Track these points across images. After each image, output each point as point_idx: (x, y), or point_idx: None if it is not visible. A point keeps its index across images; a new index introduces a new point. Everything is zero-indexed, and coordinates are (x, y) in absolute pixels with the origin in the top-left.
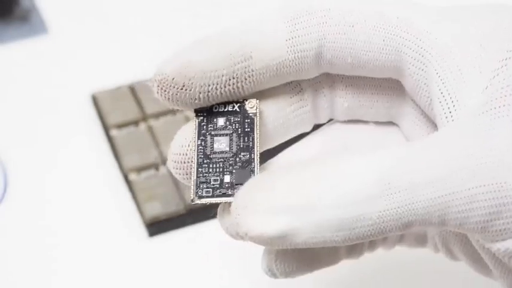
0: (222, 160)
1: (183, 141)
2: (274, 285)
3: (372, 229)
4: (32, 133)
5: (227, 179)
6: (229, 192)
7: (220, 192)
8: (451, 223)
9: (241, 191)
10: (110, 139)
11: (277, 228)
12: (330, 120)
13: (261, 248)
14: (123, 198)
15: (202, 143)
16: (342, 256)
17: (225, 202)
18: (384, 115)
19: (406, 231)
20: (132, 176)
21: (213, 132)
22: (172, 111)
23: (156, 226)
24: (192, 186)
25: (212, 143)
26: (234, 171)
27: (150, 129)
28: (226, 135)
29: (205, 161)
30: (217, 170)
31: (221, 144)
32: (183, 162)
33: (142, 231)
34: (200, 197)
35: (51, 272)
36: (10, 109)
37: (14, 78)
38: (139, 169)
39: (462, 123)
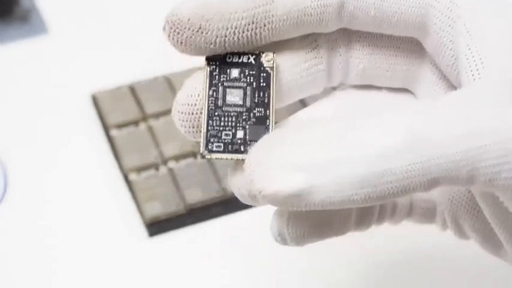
0: (235, 114)
1: (192, 90)
2: (275, 284)
3: (396, 186)
4: (32, 133)
5: (240, 134)
6: (242, 149)
7: (232, 148)
8: (481, 179)
9: (256, 147)
10: (110, 139)
11: (293, 185)
12: (341, 86)
13: (261, 247)
14: (123, 198)
15: (214, 93)
16: (351, 226)
17: (237, 159)
18: (400, 79)
19: (430, 190)
20: (132, 176)
21: (225, 83)
22: None
23: (156, 226)
24: (202, 140)
25: (224, 94)
26: (247, 127)
27: (150, 129)
28: (240, 87)
29: (216, 113)
30: (230, 124)
31: (234, 96)
32: (190, 113)
33: (142, 231)
34: (210, 152)
35: (51, 272)
36: (10, 109)
37: (14, 78)
38: (139, 169)
39: (492, 80)
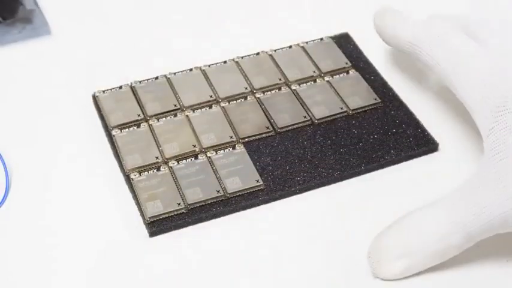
0: None
1: None
2: (275, 284)
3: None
4: (34, 133)
5: None
6: None
7: None
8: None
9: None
10: (111, 139)
11: (398, 271)
12: None
13: (261, 247)
14: (124, 198)
15: None
16: None
17: None
18: None
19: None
20: (133, 176)
21: None
22: (173, 112)
23: (157, 226)
24: None
25: None
26: None
27: (151, 129)
28: None
29: None
30: None
31: None
32: None
33: (143, 231)
34: None
35: (51, 272)
36: (13, 109)
37: (16, 79)
38: (141, 169)
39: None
